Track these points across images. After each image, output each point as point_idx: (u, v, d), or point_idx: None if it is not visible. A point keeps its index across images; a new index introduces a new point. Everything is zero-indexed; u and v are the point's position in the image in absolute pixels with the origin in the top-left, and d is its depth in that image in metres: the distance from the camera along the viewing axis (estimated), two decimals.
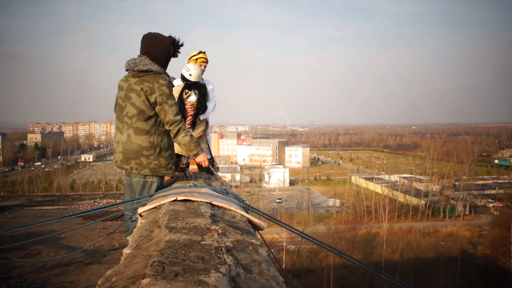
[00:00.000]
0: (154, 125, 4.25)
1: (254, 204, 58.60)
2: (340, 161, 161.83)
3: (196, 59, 6.68)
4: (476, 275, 46.96)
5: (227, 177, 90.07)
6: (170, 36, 4.38)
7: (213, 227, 2.69)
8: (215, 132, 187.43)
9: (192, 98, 6.48)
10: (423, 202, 77.38)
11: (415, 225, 68.98)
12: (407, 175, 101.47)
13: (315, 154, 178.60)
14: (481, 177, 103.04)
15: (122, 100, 4.29)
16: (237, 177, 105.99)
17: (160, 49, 4.31)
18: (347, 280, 43.72)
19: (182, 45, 4.49)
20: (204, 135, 6.76)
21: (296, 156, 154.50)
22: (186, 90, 6.48)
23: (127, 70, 4.34)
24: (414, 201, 78.35)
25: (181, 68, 6.53)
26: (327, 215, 77.60)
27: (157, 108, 4.20)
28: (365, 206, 74.93)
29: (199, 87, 6.55)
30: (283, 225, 4.32)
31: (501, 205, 71.26)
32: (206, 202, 3.42)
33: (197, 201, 3.43)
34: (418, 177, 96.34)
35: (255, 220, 3.43)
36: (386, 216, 61.50)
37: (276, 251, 51.15)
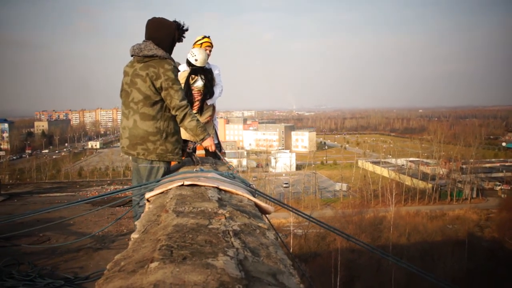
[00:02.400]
0: (160, 110, 4.26)
1: (261, 189, 58.70)
2: (347, 145, 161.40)
3: (201, 43, 6.66)
4: (483, 258, 47.06)
5: (233, 162, 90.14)
6: (174, 21, 4.37)
7: (220, 211, 2.70)
8: (221, 117, 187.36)
9: (199, 83, 6.47)
10: (430, 185, 77.23)
11: (422, 209, 68.96)
12: (414, 159, 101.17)
13: (321, 139, 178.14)
14: (488, 160, 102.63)
15: (128, 85, 4.29)
16: (244, 162, 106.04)
17: (165, 34, 4.30)
18: (354, 263, 43.90)
19: (187, 30, 4.46)
20: (211, 120, 6.76)
21: (303, 140, 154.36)
22: (193, 76, 6.46)
23: (132, 56, 4.33)
24: (421, 184, 78.22)
25: (187, 53, 6.51)
26: (334, 199, 77.65)
27: (163, 93, 4.20)
28: (372, 190, 74.86)
29: (206, 72, 6.52)
30: (291, 209, 4.32)
31: (509, 188, 71.23)
32: (213, 187, 3.43)
33: (204, 186, 3.44)
34: (425, 160, 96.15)
35: (262, 204, 3.44)
36: (393, 200, 61.54)
37: (284, 235, 51.32)
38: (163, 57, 4.21)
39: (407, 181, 79.43)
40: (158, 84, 4.15)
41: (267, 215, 3.57)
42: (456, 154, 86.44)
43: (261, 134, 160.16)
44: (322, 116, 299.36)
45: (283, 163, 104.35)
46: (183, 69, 6.56)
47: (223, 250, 1.95)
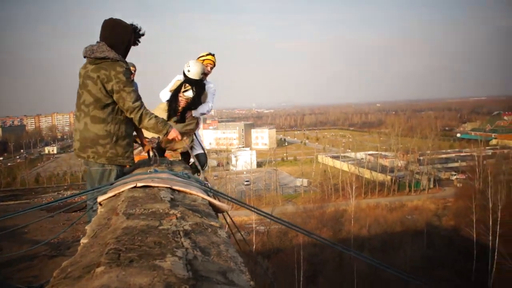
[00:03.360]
0: (111, 113, 4.19)
1: (222, 188, 58.70)
2: (307, 141, 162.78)
3: (203, 60, 6.72)
4: (441, 246, 48.36)
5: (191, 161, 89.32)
6: (132, 24, 4.30)
7: (171, 211, 2.67)
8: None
9: (189, 93, 6.47)
10: (389, 177, 78.61)
11: (382, 201, 70.19)
12: (372, 152, 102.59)
13: (281, 135, 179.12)
14: (444, 150, 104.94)
15: (80, 87, 4.22)
16: None
17: (119, 36, 4.22)
18: (317, 258, 44.30)
19: (143, 34, 4.41)
20: (192, 133, 6.70)
21: (263, 138, 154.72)
22: (186, 84, 6.47)
23: (84, 57, 4.25)
24: (380, 177, 79.51)
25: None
26: (295, 195, 78.15)
27: (115, 96, 4.13)
28: (333, 184, 75.67)
29: (198, 86, 6.54)
30: (245, 206, 4.33)
31: (464, 177, 73.00)
32: (166, 187, 3.40)
33: (158, 187, 3.41)
34: (383, 153, 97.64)
35: (216, 202, 3.45)
36: (353, 193, 62.28)
37: (246, 233, 51.42)
38: (115, 59, 4.13)
39: (367, 174, 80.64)
40: (109, 87, 4.08)
41: (225, 213, 3.57)
42: (413, 146, 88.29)
43: (221, 133, 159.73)
44: (282, 113, 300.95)
45: (244, 161, 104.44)
46: (178, 78, 6.62)
47: (172, 251, 1.93)
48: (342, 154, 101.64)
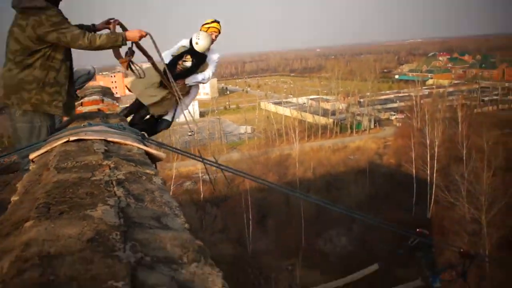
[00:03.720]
0: (40, 59, 4.01)
1: (166, 140, 58.22)
2: (248, 88, 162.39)
3: (208, 27, 6.51)
4: (383, 183, 50.18)
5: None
6: None
7: (105, 162, 2.63)
8: (119, 71, 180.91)
9: (187, 64, 6.38)
10: (331, 120, 79.89)
11: (325, 143, 71.46)
12: (314, 97, 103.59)
13: (223, 84, 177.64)
14: (383, 92, 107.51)
15: (7, 36, 4.03)
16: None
17: None
18: (264, 201, 45.00)
19: None
20: (174, 98, 6.37)
21: (204, 87, 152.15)
22: (188, 56, 6.37)
23: (13, 7, 4.03)
24: (322, 120, 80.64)
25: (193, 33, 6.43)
26: (239, 142, 78.44)
27: (53, 36, 3.93)
28: (276, 129, 76.18)
29: (199, 58, 6.42)
30: (182, 152, 4.32)
31: (403, 116, 75.28)
32: (100, 139, 3.33)
33: (92, 140, 3.33)
34: (324, 97, 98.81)
35: (153, 151, 3.42)
36: (296, 137, 62.93)
37: (193, 182, 51.61)
38: (43, 7, 3.93)
39: (309, 118, 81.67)
40: (41, 31, 3.89)
41: (159, 162, 3.54)
42: (353, 89, 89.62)
43: None
44: (222, 61, 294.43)
45: (186, 111, 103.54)
46: (184, 44, 6.44)
47: (103, 200, 1.91)
48: (284, 100, 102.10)
